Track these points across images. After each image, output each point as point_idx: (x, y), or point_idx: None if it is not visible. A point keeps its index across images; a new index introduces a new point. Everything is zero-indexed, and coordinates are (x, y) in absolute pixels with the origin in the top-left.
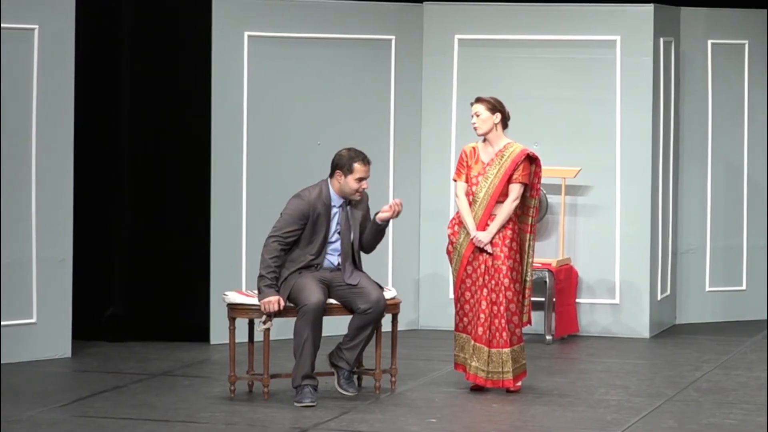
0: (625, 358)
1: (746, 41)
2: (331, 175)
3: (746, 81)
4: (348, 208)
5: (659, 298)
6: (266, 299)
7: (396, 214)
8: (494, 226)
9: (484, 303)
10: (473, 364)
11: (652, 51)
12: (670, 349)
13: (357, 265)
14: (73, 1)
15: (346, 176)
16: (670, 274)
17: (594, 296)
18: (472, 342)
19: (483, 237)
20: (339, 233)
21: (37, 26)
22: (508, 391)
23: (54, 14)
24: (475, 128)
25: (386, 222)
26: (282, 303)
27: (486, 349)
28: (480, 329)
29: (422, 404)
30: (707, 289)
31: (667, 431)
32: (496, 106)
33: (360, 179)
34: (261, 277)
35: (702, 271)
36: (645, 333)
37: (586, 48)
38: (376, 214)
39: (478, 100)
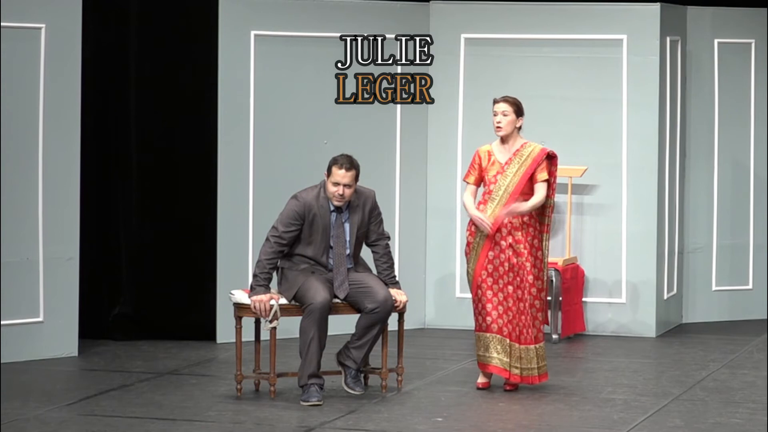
0: (632, 357)
1: (753, 40)
2: None
3: (753, 80)
4: (341, 214)
5: (666, 297)
6: (256, 297)
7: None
8: (511, 207)
9: (510, 300)
10: (506, 360)
11: (659, 50)
12: (677, 348)
13: (357, 269)
14: None
15: (327, 179)
16: (677, 273)
17: (600, 295)
18: (508, 341)
19: (487, 216)
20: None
21: (44, 25)
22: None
23: (61, 13)
24: (497, 127)
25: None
26: (275, 298)
27: (517, 346)
28: (509, 327)
29: (429, 403)
30: (714, 288)
31: (673, 430)
32: (521, 109)
33: (335, 183)
34: (255, 276)
35: (708, 270)
36: (651, 332)
37: (592, 47)
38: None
39: (505, 99)
